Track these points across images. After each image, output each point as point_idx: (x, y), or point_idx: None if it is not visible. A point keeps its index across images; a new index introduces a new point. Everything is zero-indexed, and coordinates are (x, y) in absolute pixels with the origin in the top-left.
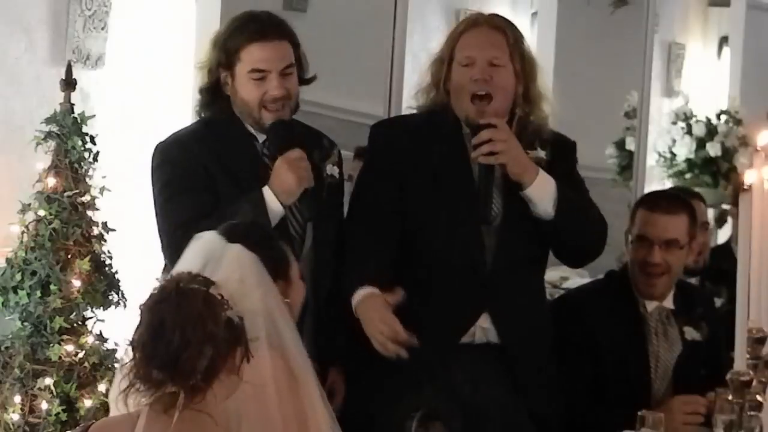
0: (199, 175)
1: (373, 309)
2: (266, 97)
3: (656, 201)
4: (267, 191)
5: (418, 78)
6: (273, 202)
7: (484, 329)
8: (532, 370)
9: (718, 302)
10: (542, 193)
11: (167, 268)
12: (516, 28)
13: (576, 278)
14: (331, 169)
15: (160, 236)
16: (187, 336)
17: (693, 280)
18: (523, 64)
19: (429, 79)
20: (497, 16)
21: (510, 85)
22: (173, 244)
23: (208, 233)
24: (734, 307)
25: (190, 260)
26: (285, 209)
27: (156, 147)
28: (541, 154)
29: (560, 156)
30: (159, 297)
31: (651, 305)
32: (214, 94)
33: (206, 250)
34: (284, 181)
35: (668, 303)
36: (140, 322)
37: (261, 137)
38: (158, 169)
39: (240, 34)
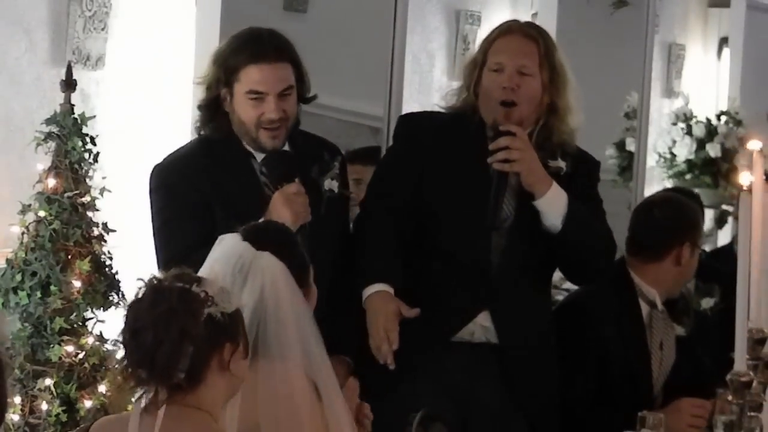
0: (194, 200)
1: (382, 310)
2: (263, 119)
3: None
4: None
5: (456, 79)
6: None
7: (483, 328)
8: (529, 371)
9: (711, 302)
10: (553, 205)
11: None
12: (549, 38)
13: None
14: (330, 184)
15: (157, 261)
16: (159, 335)
17: None
18: (552, 75)
19: (461, 81)
20: (532, 24)
21: (537, 95)
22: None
23: (232, 237)
24: (728, 305)
25: (215, 268)
26: None
27: (153, 169)
28: (562, 164)
29: (582, 172)
30: (137, 296)
31: (660, 302)
32: (214, 111)
33: (234, 257)
34: (280, 217)
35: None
36: (123, 320)
37: (259, 156)
38: (155, 193)
39: (240, 53)
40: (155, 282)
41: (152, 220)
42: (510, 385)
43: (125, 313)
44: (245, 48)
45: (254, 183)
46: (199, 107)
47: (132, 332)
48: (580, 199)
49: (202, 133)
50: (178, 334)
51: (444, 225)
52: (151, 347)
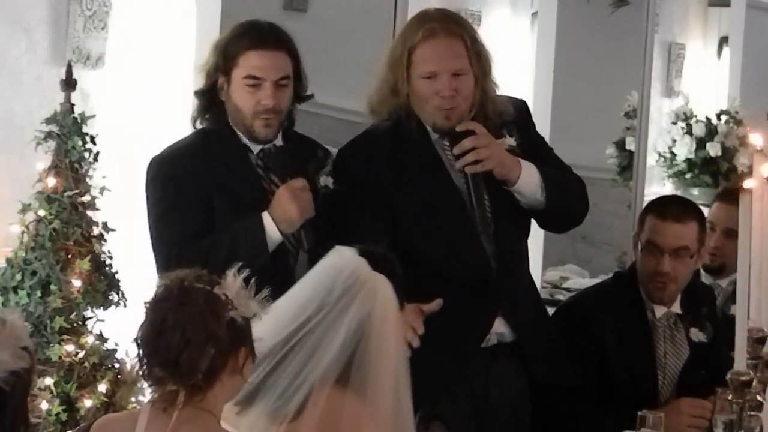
0: (193, 191)
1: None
2: (258, 107)
3: (666, 208)
4: (267, 218)
5: (374, 83)
6: (272, 230)
7: (499, 334)
8: (542, 357)
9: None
10: (529, 184)
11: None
12: (468, 24)
13: (576, 278)
14: (326, 180)
15: (155, 253)
16: (187, 335)
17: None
18: (480, 64)
19: (385, 86)
20: (450, 16)
21: (472, 89)
22: (169, 263)
23: (348, 250)
24: None
25: (328, 275)
26: (283, 237)
27: (151, 160)
28: (511, 141)
29: (523, 125)
30: (162, 295)
31: (660, 311)
32: (210, 99)
33: (348, 269)
34: (286, 211)
35: (675, 308)
36: (144, 319)
37: (255, 148)
38: (152, 183)
39: (240, 39)
40: (179, 282)
41: (148, 211)
42: (531, 377)
43: (147, 311)
44: (246, 35)
45: (252, 176)
46: (196, 93)
47: (157, 331)
48: (537, 150)
49: (198, 123)
50: (206, 336)
51: (434, 248)
52: (178, 348)
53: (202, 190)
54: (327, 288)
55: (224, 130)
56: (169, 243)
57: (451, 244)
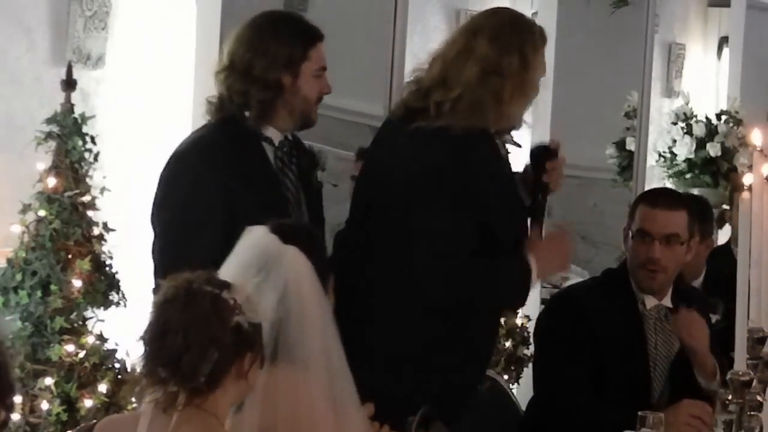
0: (215, 201)
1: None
2: (319, 95)
3: (656, 197)
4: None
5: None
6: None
7: None
8: None
9: (713, 318)
10: None
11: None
12: None
13: (577, 278)
14: (321, 176)
15: (156, 271)
16: (189, 338)
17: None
18: None
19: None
20: None
21: None
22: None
23: (259, 229)
24: (729, 324)
25: (243, 257)
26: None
27: (174, 155)
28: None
29: None
30: (168, 296)
31: (650, 302)
32: (272, 97)
33: (260, 249)
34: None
35: (666, 301)
36: (150, 318)
37: (276, 140)
38: (171, 185)
39: (304, 34)
40: (187, 284)
41: (161, 219)
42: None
43: (152, 311)
44: (303, 28)
45: (269, 168)
46: (259, 101)
47: (160, 333)
48: None
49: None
50: (208, 341)
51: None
52: (179, 350)
53: (226, 191)
54: (246, 271)
55: (245, 123)
56: (181, 259)
57: (519, 248)
